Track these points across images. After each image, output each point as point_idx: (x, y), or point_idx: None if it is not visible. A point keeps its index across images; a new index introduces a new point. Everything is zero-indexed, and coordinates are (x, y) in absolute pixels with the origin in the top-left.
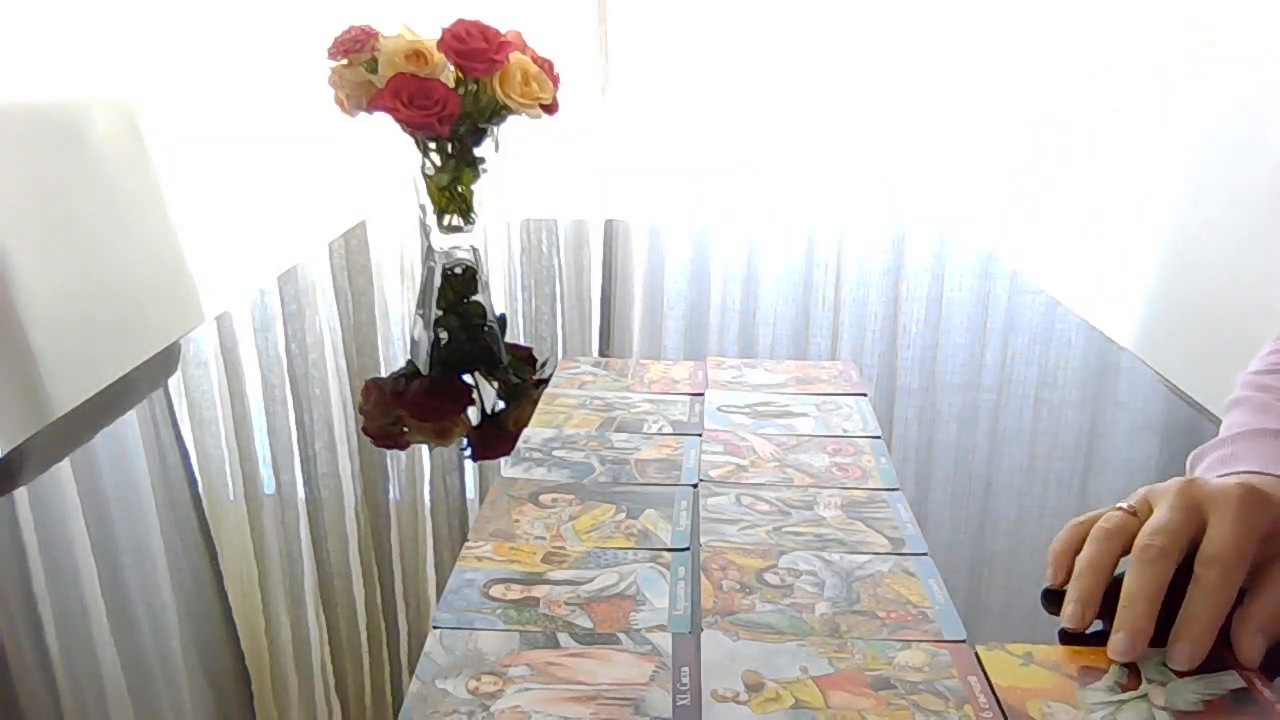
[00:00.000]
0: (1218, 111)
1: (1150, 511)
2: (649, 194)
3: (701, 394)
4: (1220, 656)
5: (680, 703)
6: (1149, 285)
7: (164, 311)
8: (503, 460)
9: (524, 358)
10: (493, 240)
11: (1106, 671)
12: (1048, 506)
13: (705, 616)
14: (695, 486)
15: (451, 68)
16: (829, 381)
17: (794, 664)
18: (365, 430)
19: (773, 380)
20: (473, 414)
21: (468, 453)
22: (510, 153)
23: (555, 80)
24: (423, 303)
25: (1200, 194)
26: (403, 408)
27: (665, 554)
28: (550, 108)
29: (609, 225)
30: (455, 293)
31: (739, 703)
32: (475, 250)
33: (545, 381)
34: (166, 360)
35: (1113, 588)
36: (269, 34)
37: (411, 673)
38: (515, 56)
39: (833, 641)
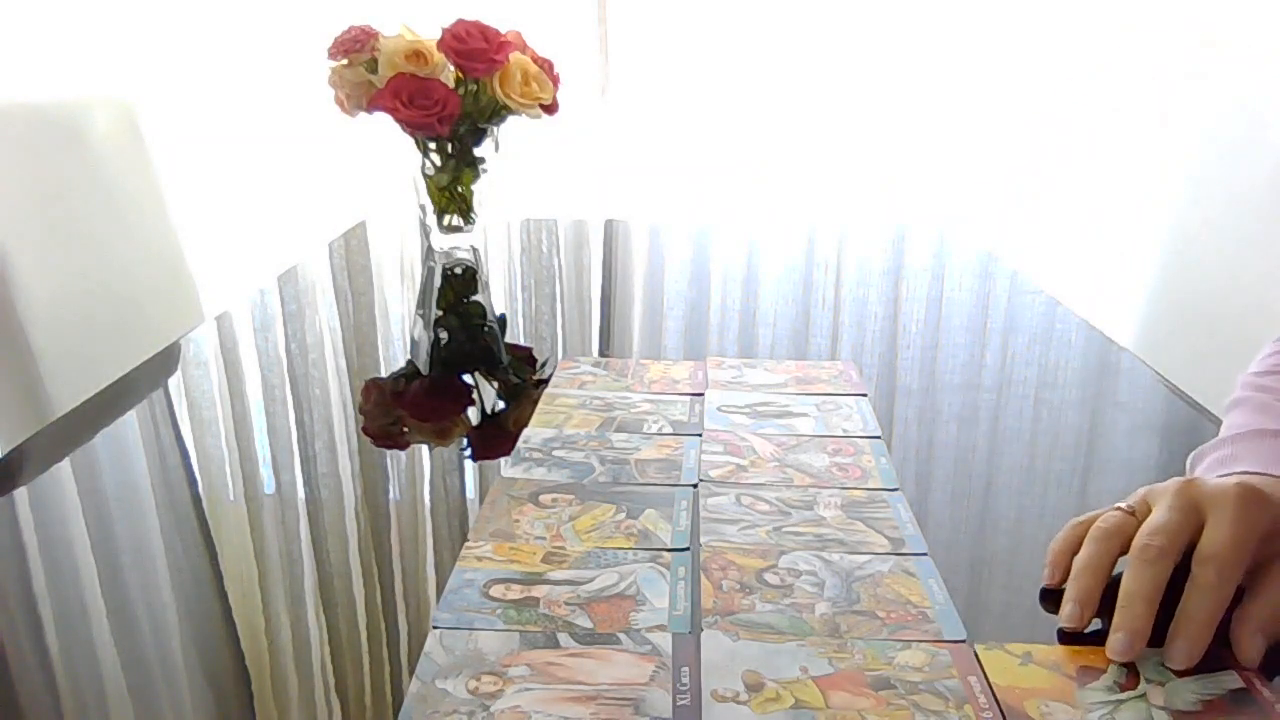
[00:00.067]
0: (1218, 111)
1: (1149, 511)
2: (649, 194)
3: (701, 394)
4: (1219, 656)
5: (680, 703)
6: (1149, 285)
7: (164, 311)
8: (503, 460)
9: (524, 358)
10: (493, 240)
11: (1105, 671)
12: (1047, 506)
13: (705, 616)
14: (695, 486)
15: (451, 68)
16: (829, 381)
17: (794, 664)
18: (365, 430)
19: (773, 380)
20: (473, 414)
21: (468, 453)
22: (510, 153)
23: (555, 80)
24: (423, 303)
25: (1200, 194)
26: (403, 408)
27: (665, 554)
28: (550, 108)
29: (609, 225)
30: (455, 293)
31: (739, 703)
32: (475, 250)
33: (545, 381)
34: (166, 360)
35: (1111, 588)
36: (269, 34)
37: (411, 673)
38: (515, 56)
39: (833, 641)
